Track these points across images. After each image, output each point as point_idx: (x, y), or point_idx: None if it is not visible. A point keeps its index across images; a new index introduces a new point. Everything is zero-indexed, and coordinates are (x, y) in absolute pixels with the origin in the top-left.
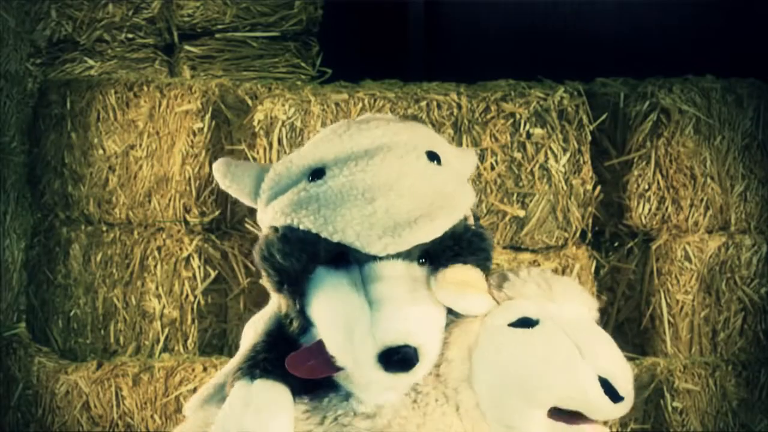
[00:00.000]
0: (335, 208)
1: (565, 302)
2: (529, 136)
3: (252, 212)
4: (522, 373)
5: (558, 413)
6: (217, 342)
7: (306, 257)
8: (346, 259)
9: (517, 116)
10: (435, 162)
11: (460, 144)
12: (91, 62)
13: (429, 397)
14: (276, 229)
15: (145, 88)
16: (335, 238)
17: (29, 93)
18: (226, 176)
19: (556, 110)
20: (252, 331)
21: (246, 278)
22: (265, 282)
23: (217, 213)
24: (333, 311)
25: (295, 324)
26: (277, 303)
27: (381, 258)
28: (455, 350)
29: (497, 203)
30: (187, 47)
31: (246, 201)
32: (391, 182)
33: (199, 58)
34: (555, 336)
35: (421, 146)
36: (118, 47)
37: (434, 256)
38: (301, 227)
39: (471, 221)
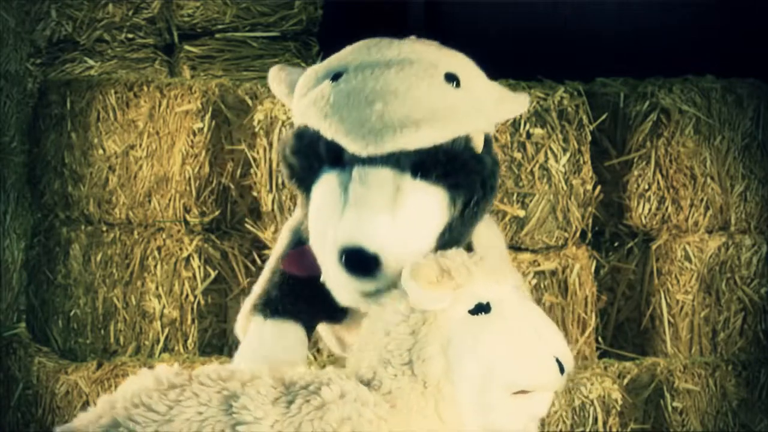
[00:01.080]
0: (338, 107)
1: (506, 282)
2: (529, 136)
3: (252, 212)
4: (500, 359)
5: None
6: (217, 342)
7: (311, 155)
8: (342, 159)
9: (517, 116)
10: (453, 83)
11: None
12: (91, 62)
13: (409, 398)
14: (294, 128)
15: (145, 88)
16: (329, 135)
17: (29, 93)
18: (273, 80)
19: (556, 110)
20: (287, 231)
21: (246, 278)
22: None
23: (217, 213)
24: (317, 208)
25: (305, 225)
26: (299, 208)
27: (370, 162)
28: (429, 348)
29: (497, 203)
30: (187, 47)
31: (287, 103)
32: (397, 91)
33: (199, 58)
34: (515, 320)
35: (442, 66)
36: (118, 47)
37: (425, 170)
38: (309, 124)
39: (477, 146)
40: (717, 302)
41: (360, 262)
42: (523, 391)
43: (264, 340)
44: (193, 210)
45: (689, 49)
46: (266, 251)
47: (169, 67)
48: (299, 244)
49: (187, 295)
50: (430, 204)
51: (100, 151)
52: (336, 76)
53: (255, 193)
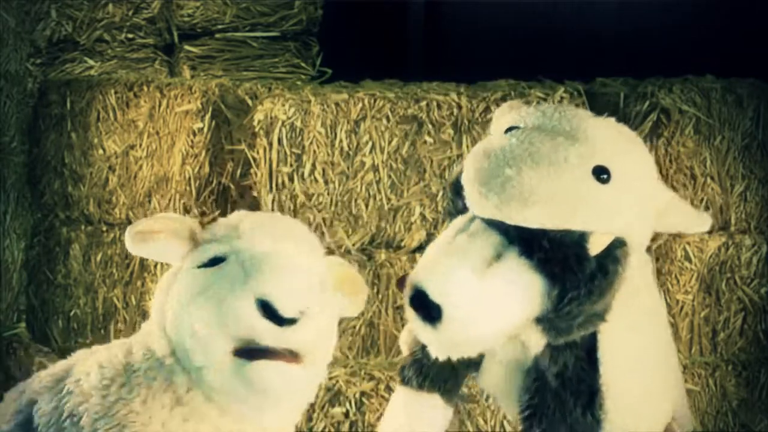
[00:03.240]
0: (482, 158)
1: (254, 238)
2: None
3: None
4: (207, 309)
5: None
6: None
7: (456, 194)
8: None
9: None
10: (601, 177)
11: (459, 144)
12: (91, 62)
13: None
14: None
15: (145, 88)
16: (462, 181)
17: (29, 93)
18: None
19: None
20: None
21: None
22: None
23: (217, 213)
24: (434, 241)
25: None
26: None
27: (488, 221)
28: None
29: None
30: (187, 47)
31: None
32: (539, 164)
33: (199, 58)
34: (230, 267)
35: (601, 157)
36: (118, 47)
37: (530, 250)
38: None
39: (594, 246)
40: (717, 302)
41: (422, 305)
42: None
43: (410, 416)
44: (193, 210)
45: (689, 49)
46: None
47: (169, 67)
48: None
49: None
50: (522, 286)
51: (100, 151)
52: (510, 129)
53: (255, 193)
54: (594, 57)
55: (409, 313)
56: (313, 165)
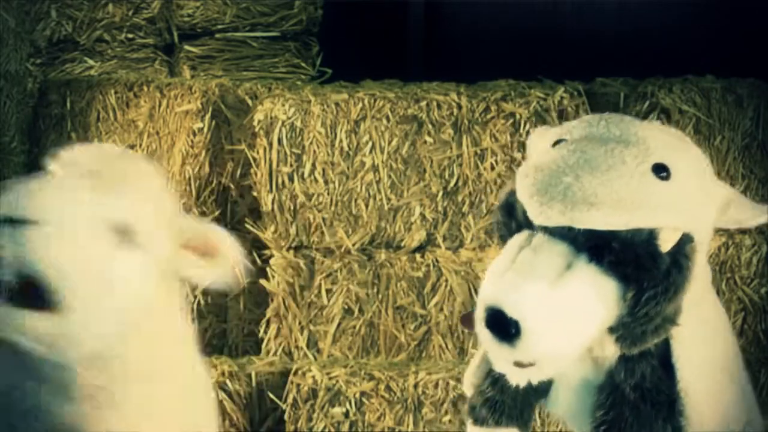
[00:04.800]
0: (536, 171)
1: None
2: (529, 135)
3: (252, 212)
4: None
5: None
6: (217, 342)
7: (510, 213)
8: (528, 223)
9: (517, 116)
10: (661, 174)
11: (459, 144)
12: (91, 62)
13: None
14: None
15: (145, 88)
16: (518, 195)
17: (29, 93)
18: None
19: (556, 110)
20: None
21: (246, 278)
22: None
23: (217, 213)
24: (494, 262)
25: None
26: None
27: (551, 233)
28: None
29: (497, 203)
30: (187, 47)
31: None
32: (597, 169)
33: (199, 58)
34: None
35: (658, 155)
36: (118, 47)
37: (599, 255)
38: (516, 179)
39: (664, 243)
40: None
41: (499, 324)
42: None
43: None
44: (193, 210)
45: (689, 49)
46: (266, 251)
47: (169, 67)
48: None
49: (186, 295)
50: (596, 293)
51: None
52: (557, 143)
53: (255, 193)
54: (594, 57)
55: (484, 337)
56: (313, 165)
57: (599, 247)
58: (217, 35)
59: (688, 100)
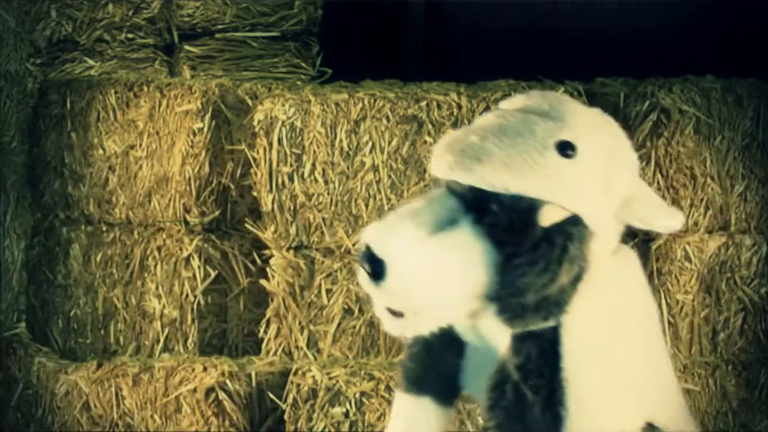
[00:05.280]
0: (452, 134)
1: None
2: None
3: (252, 212)
4: None
5: None
6: (217, 342)
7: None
8: (437, 181)
9: None
10: (564, 151)
11: None
12: (91, 62)
13: None
14: None
15: (145, 88)
16: (435, 153)
17: (29, 93)
18: None
19: None
20: None
21: (246, 278)
22: None
23: (217, 213)
24: None
25: None
26: None
27: (447, 186)
28: None
29: None
30: (187, 47)
31: None
32: (504, 133)
33: (199, 58)
34: None
35: (570, 133)
36: (118, 47)
37: (480, 214)
38: None
39: (544, 217)
40: (717, 302)
41: (368, 260)
42: None
43: (405, 422)
44: (193, 210)
45: (689, 49)
46: (266, 251)
47: (169, 67)
48: (430, 350)
49: (187, 295)
50: (472, 253)
51: (100, 151)
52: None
53: (255, 193)
54: (594, 57)
55: (362, 275)
56: (313, 165)
57: (482, 209)
58: (217, 35)
59: (688, 100)
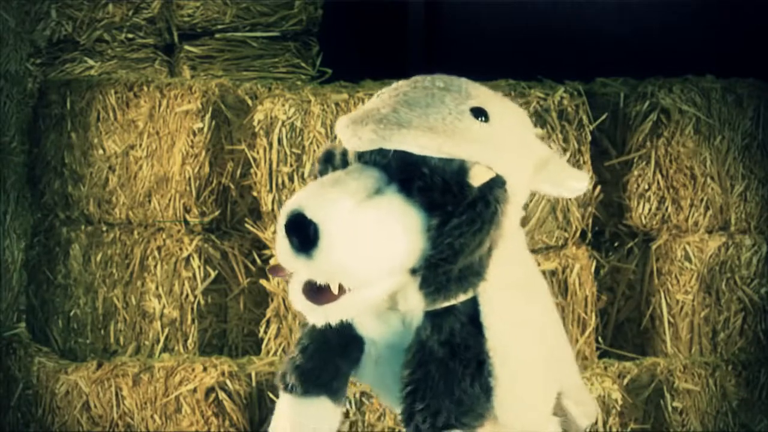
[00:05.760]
0: (355, 112)
1: None
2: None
3: (252, 212)
4: None
5: None
6: (217, 342)
7: (327, 161)
8: (344, 161)
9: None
10: (479, 118)
11: None
12: (91, 62)
13: None
14: None
15: (145, 88)
16: (337, 127)
17: (29, 93)
18: None
19: (556, 110)
20: None
21: (246, 278)
22: None
23: (217, 213)
24: None
25: None
26: None
27: (361, 160)
28: None
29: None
30: (187, 47)
31: None
32: (415, 103)
33: (199, 58)
34: None
35: (479, 101)
36: (118, 47)
37: (408, 181)
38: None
39: (474, 178)
40: (717, 302)
41: (298, 229)
42: None
43: (300, 423)
44: (193, 210)
45: (689, 49)
46: (266, 251)
47: (169, 67)
48: (317, 347)
49: (187, 295)
50: (402, 220)
51: (100, 151)
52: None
53: (255, 193)
54: (594, 57)
55: (283, 249)
56: (313, 165)
57: (410, 174)
58: (217, 35)
59: (688, 100)
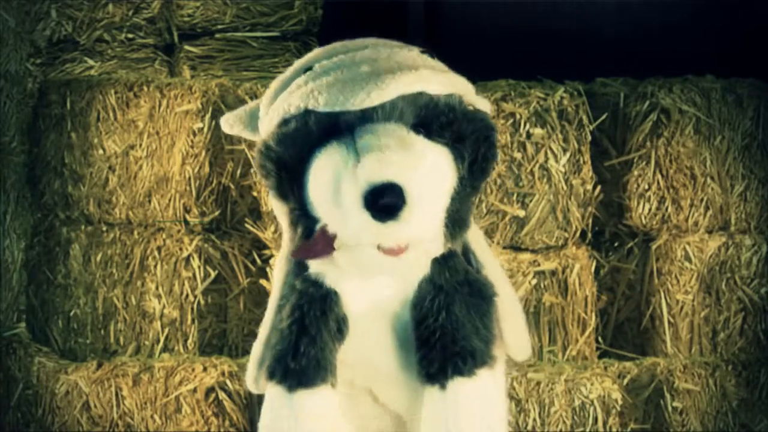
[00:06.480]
0: (324, 79)
1: None
2: (529, 136)
3: (252, 212)
4: None
5: None
6: (217, 342)
7: (300, 137)
8: (338, 130)
9: (517, 116)
10: (433, 56)
11: None
12: (91, 62)
13: None
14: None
15: (145, 88)
16: (321, 103)
17: (29, 93)
18: (227, 123)
19: (556, 110)
20: (281, 266)
21: (246, 278)
22: (269, 188)
23: (217, 213)
24: (322, 174)
25: (300, 230)
26: (287, 240)
27: (373, 120)
28: None
29: (497, 203)
30: (187, 47)
31: (249, 135)
32: (379, 58)
33: (199, 58)
34: None
35: (415, 47)
36: (118, 47)
37: (427, 125)
38: (292, 110)
39: (469, 104)
40: (717, 302)
41: (385, 196)
42: None
43: (298, 417)
44: (193, 210)
45: (689, 49)
46: (266, 251)
47: (169, 67)
48: (303, 335)
49: (187, 295)
50: (440, 158)
51: (100, 151)
52: (307, 69)
53: (255, 193)
54: (594, 57)
55: (361, 223)
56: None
57: (427, 115)
58: (217, 35)
59: (688, 100)
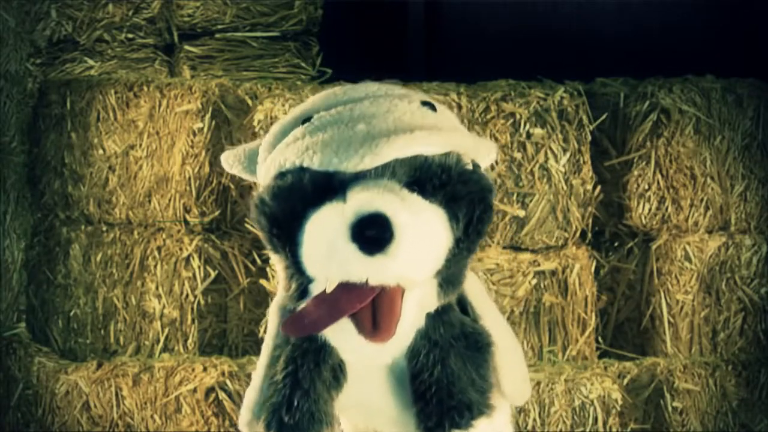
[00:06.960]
0: (319, 137)
1: None
2: (529, 136)
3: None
4: None
5: None
6: (217, 342)
7: (294, 194)
8: (332, 188)
9: (517, 116)
10: (429, 108)
11: None
12: (91, 62)
13: None
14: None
15: (145, 88)
16: (316, 163)
17: (29, 93)
18: (227, 161)
19: (556, 110)
20: (275, 311)
21: (246, 278)
22: (263, 239)
23: (217, 213)
24: (316, 234)
25: (294, 286)
26: (282, 285)
27: (366, 178)
28: None
29: (497, 203)
30: (187, 47)
31: (249, 176)
32: (376, 114)
33: (199, 58)
34: None
35: (415, 97)
36: (118, 47)
37: (421, 184)
38: (287, 165)
39: (467, 163)
40: (717, 302)
41: (374, 226)
42: None
43: None
44: (193, 210)
45: (689, 49)
46: (266, 251)
47: (169, 67)
48: (297, 385)
49: (187, 295)
50: (433, 216)
51: (100, 151)
52: (306, 120)
53: (255, 193)
54: (594, 57)
55: (347, 251)
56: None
57: (421, 175)
58: (217, 35)
59: (688, 100)
